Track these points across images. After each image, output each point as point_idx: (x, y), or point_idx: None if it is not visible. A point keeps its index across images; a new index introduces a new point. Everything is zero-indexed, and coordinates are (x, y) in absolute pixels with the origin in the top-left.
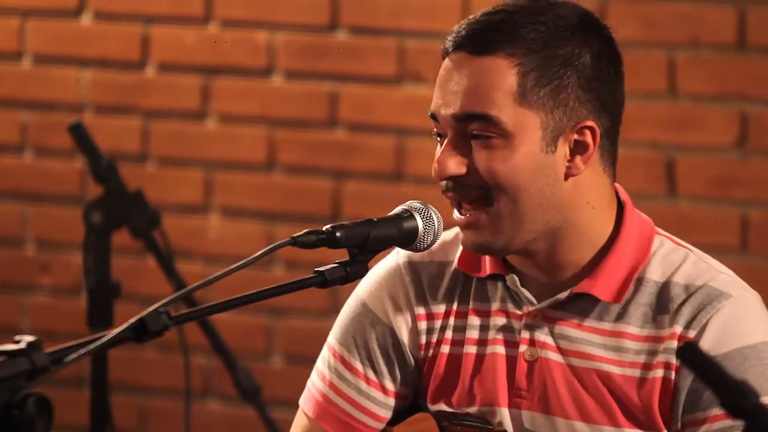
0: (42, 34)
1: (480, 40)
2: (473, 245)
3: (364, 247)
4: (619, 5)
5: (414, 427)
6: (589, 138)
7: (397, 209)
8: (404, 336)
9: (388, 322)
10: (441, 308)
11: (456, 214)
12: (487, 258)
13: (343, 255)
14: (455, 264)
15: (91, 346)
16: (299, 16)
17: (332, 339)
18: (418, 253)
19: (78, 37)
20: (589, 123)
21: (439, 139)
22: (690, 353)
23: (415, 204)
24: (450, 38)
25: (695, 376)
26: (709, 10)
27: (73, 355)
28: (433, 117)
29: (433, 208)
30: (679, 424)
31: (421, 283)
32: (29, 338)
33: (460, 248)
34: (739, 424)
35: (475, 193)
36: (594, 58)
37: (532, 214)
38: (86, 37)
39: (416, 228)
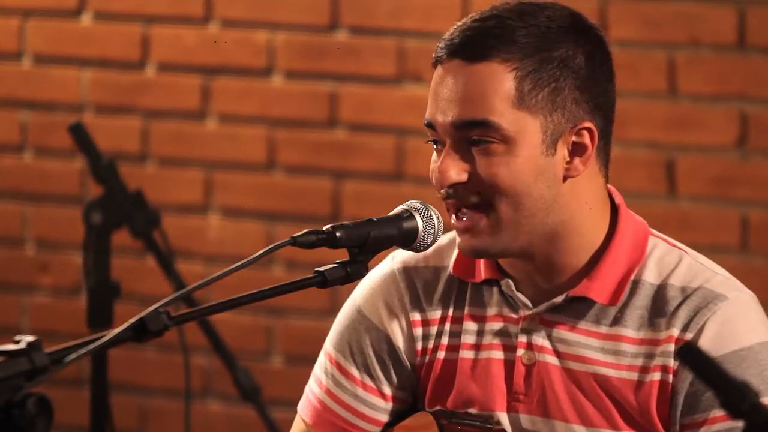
0: (42, 34)
1: (474, 47)
2: (471, 250)
3: (364, 247)
4: (619, 5)
5: (413, 426)
6: (587, 139)
7: (397, 209)
8: (399, 342)
9: (383, 328)
10: (437, 314)
11: (453, 219)
12: (482, 263)
13: (343, 255)
14: (450, 269)
15: (91, 346)
16: (299, 16)
17: (329, 345)
18: (413, 259)
19: (78, 37)
20: (587, 124)
21: (435, 146)
22: (689, 353)
23: (415, 204)
24: (441, 46)
25: (695, 377)
26: (709, 10)
27: (73, 355)
28: (429, 125)
29: (433, 208)
30: (678, 426)
31: (416, 289)
32: (29, 338)
33: (456, 253)
34: (739, 425)
35: (476, 199)
36: (587, 59)
37: (532, 218)
38: (86, 37)
39: (416, 228)
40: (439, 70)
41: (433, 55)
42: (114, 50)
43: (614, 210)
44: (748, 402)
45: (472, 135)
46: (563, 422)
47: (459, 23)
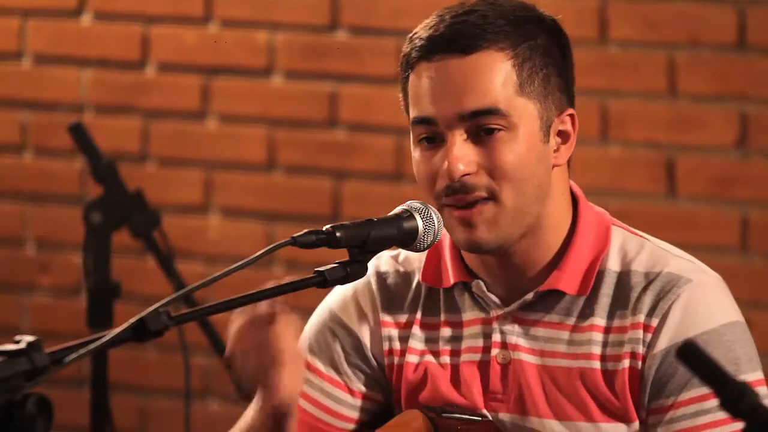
0: (42, 34)
1: (467, 39)
2: (474, 243)
3: (364, 247)
4: (619, 5)
5: (401, 421)
6: (569, 126)
7: (397, 209)
8: (367, 340)
9: (352, 326)
10: (404, 317)
11: (453, 212)
12: (450, 268)
13: (343, 255)
14: (418, 276)
15: (91, 346)
16: (299, 16)
17: None
18: (386, 266)
19: (78, 37)
20: (570, 111)
21: (428, 144)
22: (689, 353)
23: (415, 204)
24: (424, 44)
25: (694, 376)
26: (709, 10)
27: (73, 355)
28: (425, 121)
29: (433, 208)
30: (645, 411)
31: (388, 291)
32: (29, 338)
33: (423, 261)
34: (705, 407)
35: (482, 192)
36: (560, 48)
37: (533, 206)
38: (86, 37)
39: (416, 228)
40: (423, 67)
41: (413, 54)
42: (114, 50)
43: (574, 202)
44: (747, 402)
45: (480, 124)
46: (540, 419)
47: (435, 20)
